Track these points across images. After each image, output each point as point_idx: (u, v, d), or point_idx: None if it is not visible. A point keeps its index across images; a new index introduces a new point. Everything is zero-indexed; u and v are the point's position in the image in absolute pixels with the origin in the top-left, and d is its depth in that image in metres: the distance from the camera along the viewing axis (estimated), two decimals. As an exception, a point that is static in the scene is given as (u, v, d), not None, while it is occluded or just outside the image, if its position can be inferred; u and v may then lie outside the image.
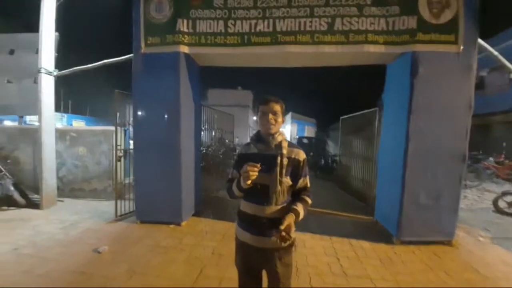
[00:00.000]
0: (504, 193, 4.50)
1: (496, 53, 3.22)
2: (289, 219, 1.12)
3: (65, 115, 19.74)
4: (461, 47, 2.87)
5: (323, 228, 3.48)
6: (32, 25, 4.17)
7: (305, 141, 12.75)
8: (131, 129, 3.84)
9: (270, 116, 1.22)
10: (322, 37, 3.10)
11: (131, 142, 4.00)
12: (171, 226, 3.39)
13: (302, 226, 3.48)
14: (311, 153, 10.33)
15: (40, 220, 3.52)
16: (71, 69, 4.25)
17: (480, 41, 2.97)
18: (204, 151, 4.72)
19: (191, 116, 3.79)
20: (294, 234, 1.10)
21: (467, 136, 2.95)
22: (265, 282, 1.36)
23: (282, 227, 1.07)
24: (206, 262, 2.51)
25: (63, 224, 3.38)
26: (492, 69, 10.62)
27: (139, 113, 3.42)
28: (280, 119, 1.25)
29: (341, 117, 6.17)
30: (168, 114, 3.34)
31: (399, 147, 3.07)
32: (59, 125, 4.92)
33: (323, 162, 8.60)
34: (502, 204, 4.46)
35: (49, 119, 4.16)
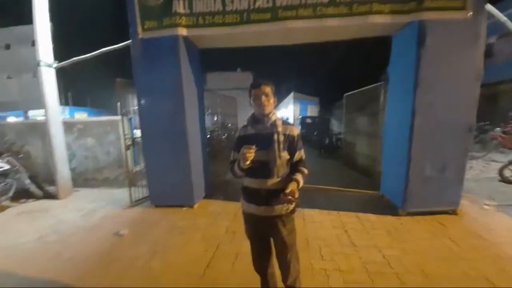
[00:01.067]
0: (510, 162, 4.51)
1: (505, 18, 3.06)
2: (292, 186, 1.24)
3: (66, 108, 19.77)
4: (470, 13, 2.74)
5: (330, 204, 3.60)
6: (24, 17, 4.06)
7: (308, 121, 12.69)
8: (135, 118, 3.87)
9: (263, 98, 1.32)
10: (324, 10, 2.97)
11: (136, 131, 4.05)
12: (185, 208, 3.54)
13: (310, 202, 3.63)
14: (315, 133, 10.31)
15: (60, 209, 3.70)
16: (69, 60, 4.19)
17: (488, 6, 2.82)
18: (208, 136, 4.76)
19: (195, 100, 3.79)
20: (297, 197, 1.22)
21: (475, 107, 2.91)
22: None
23: (288, 191, 1.20)
24: (221, 239, 2.66)
25: (82, 212, 3.56)
26: (500, 36, 10.12)
27: (143, 101, 3.43)
28: (272, 100, 1.36)
29: (345, 94, 6.07)
30: (172, 100, 3.34)
31: (405, 121, 3.06)
32: (63, 118, 4.96)
33: (327, 141, 8.61)
34: (507, 173, 4.49)
35: (55, 111, 4.20)
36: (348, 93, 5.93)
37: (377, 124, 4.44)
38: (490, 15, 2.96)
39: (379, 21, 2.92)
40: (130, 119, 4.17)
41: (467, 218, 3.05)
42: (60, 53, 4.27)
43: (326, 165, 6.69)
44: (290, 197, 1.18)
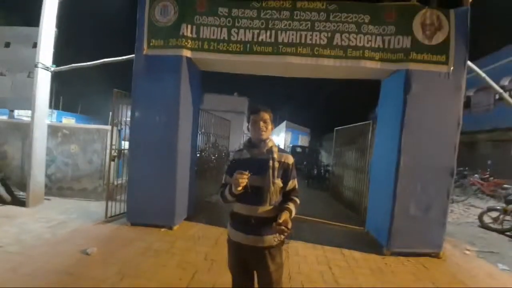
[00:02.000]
0: (489, 209, 4.68)
1: (483, 74, 3.42)
2: (285, 215, 1.20)
3: (55, 111, 19.23)
4: (451, 68, 3.04)
5: (315, 237, 3.51)
6: (29, 18, 4.15)
7: (298, 149, 12.91)
8: (125, 129, 3.80)
9: (261, 124, 1.34)
10: (321, 51, 3.22)
11: (124, 142, 3.96)
12: (163, 229, 3.34)
13: (295, 235, 3.53)
14: (304, 162, 10.43)
15: (27, 218, 3.40)
16: (68, 65, 4.21)
17: (469, 62, 3.16)
18: (198, 154, 4.71)
19: (189, 119, 3.81)
20: (290, 227, 1.17)
21: (455, 151, 3.09)
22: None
23: (280, 221, 1.15)
24: (198, 267, 2.48)
25: (50, 223, 3.28)
26: (478, 89, 11.18)
27: (137, 113, 3.41)
28: (269, 126, 1.37)
29: (336, 128, 6.31)
30: (167, 116, 3.35)
31: (391, 160, 3.17)
32: (49, 122, 4.82)
33: (315, 171, 8.70)
34: (487, 219, 4.63)
35: (42, 114, 4.08)
36: (338, 128, 6.17)
37: (364, 159, 4.58)
38: (470, 70, 3.30)
39: (370, 66, 3.18)
40: (120, 130, 4.09)
41: (450, 262, 3.04)
42: (59, 57, 4.29)
43: (313, 196, 6.66)
44: (282, 227, 1.13)
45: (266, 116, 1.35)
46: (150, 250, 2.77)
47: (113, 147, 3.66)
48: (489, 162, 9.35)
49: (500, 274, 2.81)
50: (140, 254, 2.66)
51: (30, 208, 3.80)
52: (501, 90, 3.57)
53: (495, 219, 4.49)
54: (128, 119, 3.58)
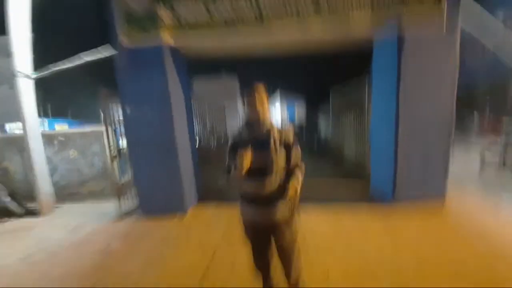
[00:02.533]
0: (490, 144, 4.74)
1: None
2: (292, 190, 1.24)
3: (46, 119, 18.80)
4: (445, 12, 2.90)
5: (324, 199, 3.63)
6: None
7: (296, 130, 12.79)
8: (120, 128, 3.75)
9: (258, 104, 1.32)
10: (308, 18, 3.04)
11: (121, 141, 3.94)
12: (177, 217, 3.45)
13: (304, 199, 3.63)
14: (304, 139, 10.41)
15: (43, 227, 3.50)
16: (49, 70, 4.02)
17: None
18: (197, 143, 4.70)
19: (183, 109, 3.74)
20: (298, 200, 1.24)
21: (454, 99, 3.07)
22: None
23: (288, 195, 1.21)
24: (216, 247, 2.60)
25: (67, 228, 3.37)
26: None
27: (129, 110, 3.34)
28: (266, 105, 1.36)
29: (331, 88, 6.20)
30: (159, 109, 3.29)
31: (391, 114, 3.18)
32: (42, 130, 4.73)
33: (316, 142, 8.73)
34: (487, 155, 4.72)
35: (33, 124, 4.00)
36: (334, 86, 6.05)
37: (363, 119, 4.54)
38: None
39: (360, 18, 3.01)
40: (115, 130, 4.04)
41: (453, 205, 3.17)
42: (39, 62, 4.09)
43: (316, 164, 6.77)
44: (290, 196, 1.18)
45: (262, 95, 1.33)
46: (168, 238, 2.89)
47: (111, 147, 3.64)
48: (487, 98, 9.32)
49: (504, 210, 2.94)
50: (159, 243, 2.78)
51: (44, 218, 3.89)
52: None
53: (495, 155, 4.56)
54: (121, 117, 3.52)
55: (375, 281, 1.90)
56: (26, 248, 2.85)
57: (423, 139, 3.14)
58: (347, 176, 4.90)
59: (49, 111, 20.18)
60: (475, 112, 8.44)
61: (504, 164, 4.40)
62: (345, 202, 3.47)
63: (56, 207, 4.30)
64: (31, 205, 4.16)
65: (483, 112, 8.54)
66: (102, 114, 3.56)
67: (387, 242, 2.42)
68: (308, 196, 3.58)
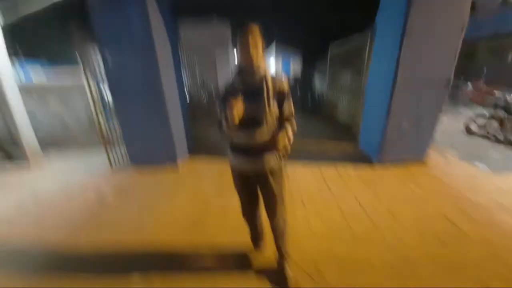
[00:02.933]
0: (477, 115, 4.86)
1: None
2: (282, 139, 1.21)
3: (18, 61, 17.00)
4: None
5: (312, 156, 3.77)
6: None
7: (291, 83, 12.29)
8: (102, 75, 3.44)
9: (251, 47, 1.18)
10: None
11: (104, 89, 3.67)
12: (168, 167, 3.51)
13: (293, 156, 3.74)
14: (298, 93, 10.11)
15: (33, 178, 3.48)
16: (17, 15, 3.45)
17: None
18: (187, 93, 4.47)
19: (169, 55, 3.41)
20: (288, 150, 1.21)
21: (455, 60, 2.93)
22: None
23: (278, 145, 1.18)
24: (208, 192, 2.74)
25: (57, 179, 3.39)
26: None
27: (108, 57, 3.00)
28: (260, 49, 1.22)
29: (331, 44, 5.80)
30: (142, 54, 2.97)
31: (389, 73, 3.05)
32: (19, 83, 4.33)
33: (310, 99, 8.56)
34: (473, 126, 4.88)
35: (8, 73, 3.64)
36: (334, 42, 5.66)
37: (360, 77, 4.39)
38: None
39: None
40: (95, 77, 3.71)
41: (433, 166, 3.37)
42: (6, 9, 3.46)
43: (308, 121, 6.78)
44: (280, 149, 1.17)
45: (257, 36, 1.18)
46: (161, 186, 2.99)
47: (94, 97, 3.40)
48: (484, 69, 9.15)
49: (478, 172, 3.14)
50: (153, 191, 2.88)
51: (33, 168, 3.86)
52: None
53: (481, 126, 4.72)
54: (100, 61, 3.19)
55: (351, 231, 2.10)
56: (18, 199, 2.87)
57: (417, 102, 3.09)
58: (337, 137, 4.98)
59: (21, 53, 18.13)
60: (469, 83, 8.31)
61: (488, 135, 4.55)
62: (332, 162, 3.59)
63: (45, 158, 4.25)
64: (18, 156, 4.08)
65: (478, 82, 8.40)
66: (77, 54, 3.19)
67: (366, 198, 2.60)
68: (297, 155, 3.73)
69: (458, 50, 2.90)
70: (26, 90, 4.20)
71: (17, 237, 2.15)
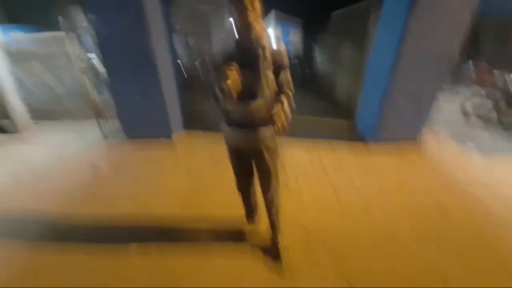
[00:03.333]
0: (473, 95, 4.84)
1: None
2: (277, 107, 1.17)
3: (-6, 23, 15.60)
4: None
5: (306, 132, 3.75)
6: None
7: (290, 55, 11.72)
8: (85, 36, 3.18)
9: (248, 10, 1.09)
10: None
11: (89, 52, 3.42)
12: (162, 140, 3.47)
13: (288, 133, 3.75)
14: (296, 61, 9.75)
15: (24, 147, 3.40)
16: None
17: None
18: (180, 62, 4.23)
19: (159, 20, 3.11)
20: (283, 119, 1.17)
21: (463, 36, 2.80)
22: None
23: (273, 112, 1.14)
24: (203, 167, 2.76)
25: (50, 146, 3.33)
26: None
27: (93, 14, 2.73)
28: (256, 3, 1.11)
29: (332, 13, 5.45)
30: (132, 19, 2.71)
31: (392, 49, 2.92)
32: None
33: (308, 71, 8.29)
34: (468, 105, 4.89)
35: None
36: (336, 12, 5.31)
37: (362, 51, 4.21)
38: None
39: None
40: (79, 37, 3.42)
41: (425, 145, 3.43)
42: None
43: (305, 95, 6.66)
44: (276, 124, 1.13)
45: (254, 0, 1.08)
46: (155, 158, 2.98)
47: (79, 57, 3.18)
48: (486, 48, 8.87)
49: (467, 151, 3.23)
50: (146, 162, 2.88)
51: (22, 135, 3.74)
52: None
53: (476, 105, 4.72)
54: (84, 24, 2.91)
55: (340, 205, 2.19)
56: (11, 165, 2.83)
57: (417, 80, 3.01)
58: (334, 115, 4.94)
59: (2, 19, 16.47)
60: (470, 62, 8.09)
61: (482, 115, 4.58)
62: (327, 139, 3.60)
63: (34, 123, 4.10)
64: (2, 121, 3.93)
65: (479, 61, 8.18)
66: (60, 19, 2.92)
67: (358, 175, 2.68)
68: (292, 131, 3.69)
69: (467, 25, 2.75)
70: (11, 57, 3.89)
71: (13, 208, 2.15)
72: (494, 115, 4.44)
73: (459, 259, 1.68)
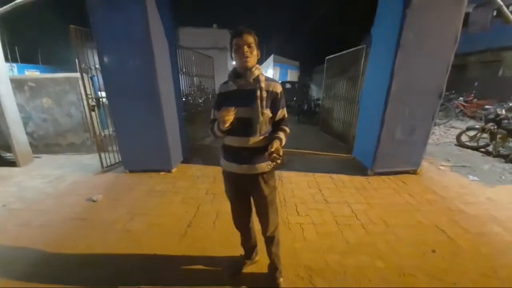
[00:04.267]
0: (468, 128, 4.97)
1: None
2: (276, 143, 1.20)
3: (15, 65, 16.95)
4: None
5: (306, 166, 3.77)
6: None
7: (287, 86, 12.46)
8: (98, 76, 3.43)
9: (245, 48, 1.20)
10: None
11: (100, 90, 3.65)
12: (162, 173, 3.47)
13: (287, 165, 3.77)
14: (294, 98, 10.27)
15: (22, 177, 3.41)
16: (11, 4, 3.43)
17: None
18: (184, 99, 4.47)
19: (166, 57, 3.43)
20: (281, 154, 1.17)
21: (447, 72, 3.02)
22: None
23: (272, 149, 1.15)
24: (201, 201, 2.69)
25: (48, 179, 3.31)
26: (477, 5, 10.25)
27: (106, 56, 3.00)
28: (255, 52, 1.24)
29: (327, 57, 5.94)
30: (140, 55, 2.97)
31: (383, 85, 3.11)
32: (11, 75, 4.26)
33: (306, 106, 8.67)
34: (464, 138, 4.99)
35: (0, 66, 3.59)
36: (330, 56, 5.80)
37: (355, 89, 4.49)
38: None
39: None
40: (92, 78, 3.70)
41: (425, 177, 3.41)
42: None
43: (304, 131, 6.84)
44: (274, 155, 1.15)
45: (250, 39, 1.20)
46: (153, 191, 2.93)
47: (89, 96, 3.38)
48: (475, 83, 9.44)
49: (470, 184, 3.19)
50: (144, 195, 2.82)
51: (22, 167, 3.77)
52: (501, 3, 3.26)
53: (472, 137, 4.82)
54: (98, 65, 3.17)
55: (344, 240, 2.09)
56: (5, 197, 2.80)
57: (410, 113, 3.15)
58: (332, 147, 5.04)
59: (17, 56, 18.08)
60: (461, 98, 8.58)
61: (478, 147, 4.67)
62: (327, 171, 3.61)
63: (36, 157, 4.16)
64: (6, 155, 3.98)
65: (469, 96, 8.68)
66: (77, 60, 3.19)
67: (360, 207, 2.61)
68: (292, 164, 3.74)
69: (451, 63, 2.99)
70: (17, 82, 4.14)
71: (4, 240, 2.06)
72: (490, 146, 4.49)
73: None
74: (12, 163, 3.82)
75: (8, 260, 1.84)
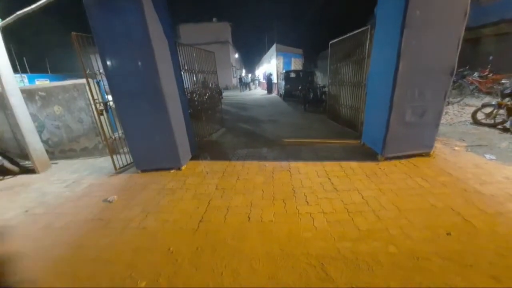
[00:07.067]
0: (484, 105, 4.74)
1: None
2: None
3: (25, 75, 17.55)
4: None
5: (315, 156, 3.74)
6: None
7: (292, 75, 12.24)
8: (103, 80, 3.49)
9: None
10: None
11: (107, 94, 3.72)
12: (172, 171, 3.54)
13: (296, 156, 3.76)
14: (300, 87, 10.11)
15: (41, 183, 3.58)
16: (14, 15, 3.53)
17: None
18: (188, 96, 4.49)
19: (167, 54, 3.42)
20: None
21: (458, 49, 2.87)
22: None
23: None
24: (211, 196, 2.74)
25: (66, 183, 3.46)
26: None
27: (108, 58, 3.03)
28: None
29: (330, 42, 5.76)
30: (141, 56, 2.99)
31: (390, 66, 2.99)
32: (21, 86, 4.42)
33: (311, 95, 8.52)
34: (480, 115, 4.76)
35: (10, 79, 3.72)
36: (334, 41, 5.61)
37: (361, 73, 4.36)
38: None
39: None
40: (98, 82, 3.77)
41: (439, 158, 3.30)
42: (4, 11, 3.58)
43: (311, 120, 6.75)
44: None
45: None
46: (165, 189, 3.01)
47: (96, 101, 3.46)
48: (490, 57, 8.91)
49: (487, 163, 3.06)
50: (157, 194, 2.91)
51: (41, 174, 3.95)
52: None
53: (488, 115, 4.60)
54: (102, 70, 3.23)
55: (355, 227, 2.07)
56: (27, 203, 2.96)
57: (420, 93, 3.03)
58: (341, 133, 4.94)
59: (27, 66, 18.70)
60: (475, 74, 8.12)
61: (495, 124, 4.44)
62: (336, 158, 3.58)
63: (53, 163, 4.34)
64: (25, 163, 4.18)
65: (484, 71, 8.20)
66: (81, 65, 3.25)
67: (371, 193, 2.58)
68: (301, 156, 3.72)
69: (461, 38, 2.83)
70: (28, 93, 4.30)
71: (26, 242, 2.19)
72: (509, 123, 4.27)
73: (490, 278, 1.49)
74: (31, 170, 4.01)
75: (33, 261, 1.96)
